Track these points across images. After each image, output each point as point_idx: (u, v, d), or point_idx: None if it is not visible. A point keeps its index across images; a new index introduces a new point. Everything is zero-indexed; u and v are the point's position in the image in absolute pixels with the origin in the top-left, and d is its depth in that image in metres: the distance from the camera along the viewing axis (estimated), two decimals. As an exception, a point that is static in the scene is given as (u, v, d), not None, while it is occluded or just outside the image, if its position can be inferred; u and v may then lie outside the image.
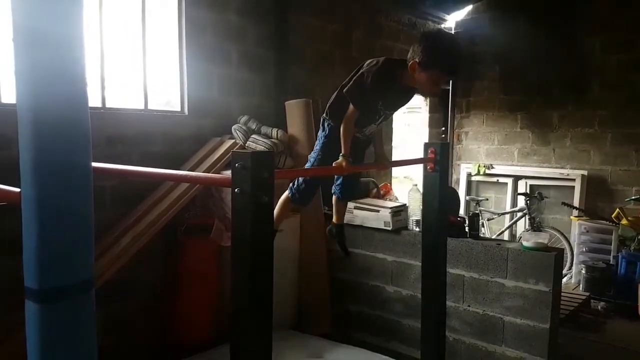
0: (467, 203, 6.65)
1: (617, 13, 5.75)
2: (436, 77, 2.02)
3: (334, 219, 2.70)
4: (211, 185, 3.31)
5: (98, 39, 3.25)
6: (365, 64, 2.09)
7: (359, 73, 2.07)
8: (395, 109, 2.32)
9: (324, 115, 2.27)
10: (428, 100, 7.07)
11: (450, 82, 6.91)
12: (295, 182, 2.42)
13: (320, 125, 2.31)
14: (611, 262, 4.84)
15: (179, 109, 3.72)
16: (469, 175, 6.99)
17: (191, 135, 3.67)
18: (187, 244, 3.39)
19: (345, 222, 3.82)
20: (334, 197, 2.61)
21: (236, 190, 1.34)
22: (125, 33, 3.48)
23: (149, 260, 3.40)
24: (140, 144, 3.41)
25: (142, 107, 3.52)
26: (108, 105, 3.34)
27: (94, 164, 1.89)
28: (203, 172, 3.31)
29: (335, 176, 2.47)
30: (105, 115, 3.28)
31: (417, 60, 1.97)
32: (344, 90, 2.08)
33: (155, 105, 3.65)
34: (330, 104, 2.21)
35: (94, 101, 3.28)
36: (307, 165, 2.40)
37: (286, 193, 2.47)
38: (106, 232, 3.17)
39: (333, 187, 2.55)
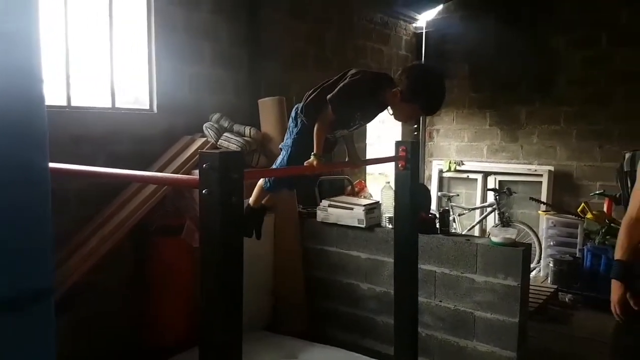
0: (439, 199, 6.73)
1: (580, 12, 5.91)
2: (414, 111, 2.07)
3: (263, 202, 2.52)
4: (188, 186, 3.27)
5: (63, 36, 3.17)
6: (351, 73, 2.08)
7: (345, 83, 2.05)
8: (369, 121, 2.33)
9: (299, 111, 2.25)
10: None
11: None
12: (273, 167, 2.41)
13: (292, 118, 2.29)
14: (577, 255, 4.97)
15: (147, 107, 3.65)
16: (441, 171, 7.08)
17: (161, 134, 3.61)
18: (157, 245, 3.33)
19: (319, 220, 3.86)
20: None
21: (204, 191, 1.32)
22: (91, 29, 3.40)
23: (119, 261, 3.33)
24: (108, 144, 3.33)
25: (109, 105, 3.45)
26: (74, 103, 3.25)
27: (58, 165, 1.85)
28: (172, 171, 3.27)
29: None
30: (71, 114, 3.20)
31: (400, 89, 1.99)
32: (328, 98, 2.06)
33: (123, 103, 3.58)
34: (307, 104, 2.19)
35: (58, 100, 3.20)
36: (279, 158, 2.38)
37: (261, 181, 2.46)
38: (73, 235, 3.10)
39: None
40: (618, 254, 2.31)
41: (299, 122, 2.25)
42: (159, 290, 3.33)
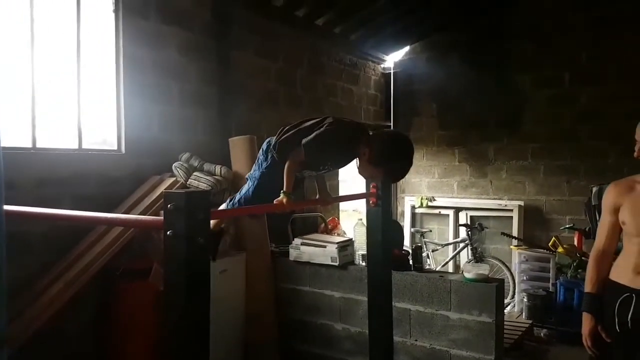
0: (412, 235, 6.75)
1: (543, 52, 6.16)
2: (377, 175, 2.12)
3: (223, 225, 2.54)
4: (151, 228, 3.19)
5: (29, 76, 3.12)
6: (328, 122, 2.09)
7: (321, 131, 2.06)
8: (340, 167, 2.38)
9: (271, 146, 2.24)
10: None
11: (391, 119, 7.12)
12: (237, 197, 2.36)
13: (263, 151, 2.28)
14: (551, 290, 5.00)
15: (115, 148, 3.59)
16: (413, 207, 7.13)
17: (129, 175, 3.55)
18: (123, 289, 3.21)
19: (292, 258, 3.80)
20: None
21: (168, 232, 1.28)
22: (59, 70, 3.36)
23: (84, 307, 3.20)
24: (74, 185, 3.24)
25: (76, 146, 3.38)
26: (39, 145, 3.18)
27: (19, 208, 1.78)
28: (140, 213, 3.19)
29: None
30: (36, 155, 3.12)
31: (368, 151, 2.03)
32: (302, 142, 2.06)
33: (91, 144, 3.51)
34: (281, 141, 2.18)
35: (23, 141, 3.12)
36: (244, 187, 2.35)
37: (223, 205, 2.43)
38: (37, 279, 2.97)
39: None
40: (588, 287, 2.34)
41: (269, 156, 2.24)
42: (125, 335, 3.19)
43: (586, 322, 2.29)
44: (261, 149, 2.30)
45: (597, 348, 2.26)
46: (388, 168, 2.06)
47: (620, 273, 2.22)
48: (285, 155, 2.12)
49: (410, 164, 2.12)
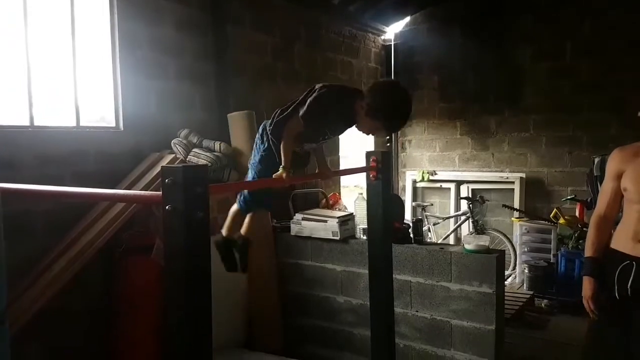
0: (414, 209, 6.76)
1: (543, 25, 6.07)
2: (376, 126, 2.06)
3: (242, 232, 2.48)
4: (150, 203, 3.19)
5: (24, 54, 3.08)
6: (318, 87, 2.07)
7: (314, 96, 2.03)
8: (339, 134, 2.32)
9: (267, 128, 2.22)
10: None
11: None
12: (242, 194, 2.37)
13: (259, 135, 2.26)
14: (552, 261, 5.03)
15: (113, 125, 3.57)
16: (414, 181, 7.13)
17: (128, 152, 3.53)
18: (126, 265, 3.24)
19: (294, 233, 3.81)
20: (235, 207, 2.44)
21: (167, 207, 1.28)
22: (54, 47, 3.32)
23: (88, 284, 3.22)
24: (73, 163, 3.24)
25: (74, 124, 3.36)
26: (37, 123, 3.16)
27: (18, 186, 1.78)
28: (140, 189, 3.19)
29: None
30: (34, 134, 3.10)
31: (366, 103, 2.00)
32: (300, 115, 2.04)
33: (88, 121, 3.49)
34: (277, 122, 2.15)
35: (21, 120, 3.11)
36: (249, 176, 2.36)
37: (235, 206, 2.42)
38: (39, 258, 2.99)
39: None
40: (588, 252, 2.35)
41: (265, 139, 2.22)
42: (128, 312, 3.23)
43: (587, 285, 2.31)
44: (257, 134, 2.28)
45: (598, 311, 2.28)
46: (388, 117, 2.02)
47: (620, 241, 2.22)
48: (282, 134, 2.10)
49: (409, 108, 2.10)
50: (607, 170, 2.33)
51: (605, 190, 2.32)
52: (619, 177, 2.23)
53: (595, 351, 2.43)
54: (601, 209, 2.34)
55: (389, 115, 2.02)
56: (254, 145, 2.31)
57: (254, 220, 2.51)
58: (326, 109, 2.02)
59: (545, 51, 6.09)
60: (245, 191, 2.36)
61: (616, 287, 2.16)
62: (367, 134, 2.18)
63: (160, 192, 1.30)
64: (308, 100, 2.03)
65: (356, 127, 2.14)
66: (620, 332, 2.19)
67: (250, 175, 2.33)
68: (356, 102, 2.04)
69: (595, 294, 2.28)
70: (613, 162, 2.28)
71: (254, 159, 2.30)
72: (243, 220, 2.46)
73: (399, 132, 7.23)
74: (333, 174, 2.90)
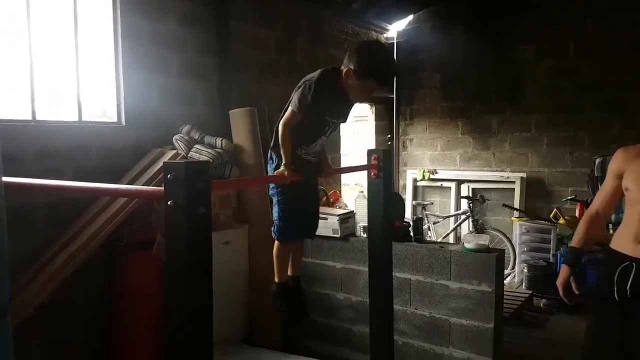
0: (414, 208, 6.77)
1: (544, 25, 6.07)
2: (369, 86, 2.03)
3: (288, 271, 2.39)
4: (152, 198, 3.20)
5: (27, 48, 3.09)
6: (302, 80, 2.08)
7: (300, 87, 2.05)
8: (343, 118, 2.27)
9: (271, 148, 2.22)
10: (374, 108, 7.17)
11: (394, 90, 7.04)
12: (275, 225, 2.28)
13: (269, 158, 2.25)
14: (551, 260, 5.03)
15: (115, 120, 3.58)
16: (415, 180, 7.13)
17: (129, 147, 3.54)
18: (127, 260, 3.25)
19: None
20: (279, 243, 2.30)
21: (169, 202, 1.28)
22: (57, 42, 3.32)
23: (89, 279, 3.24)
24: (74, 158, 3.25)
25: (76, 118, 3.36)
26: (39, 117, 3.17)
27: (20, 180, 1.78)
28: (142, 185, 3.20)
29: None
30: (36, 128, 3.11)
31: (351, 67, 1.99)
32: (292, 107, 2.04)
33: (90, 116, 3.50)
34: (276, 128, 2.15)
35: (23, 114, 3.11)
36: (274, 204, 2.26)
37: (275, 243, 2.32)
38: (40, 252, 3.00)
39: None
40: (573, 242, 2.42)
41: (274, 158, 2.19)
42: (129, 307, 3.24)
43: (563, 272, 2.39)
44: (268, 159, 2.26)
45: (568, 296, 2.38)
46: (379, 70, 2.01)
47: (621, 241, 2.21)
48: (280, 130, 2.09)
49: (392, 60, 2.12)
50: (608, 169, 2.33)
51: (605, 188, 2.33)
52: (620, 176, 2.23)
53: (595, 352, 2.44)
54: (597, 206, 2.36)
55: (380, 68, 2.01)
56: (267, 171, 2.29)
57: (299, 254, 2.42)
58: (315, 92, 2.00)
59: (547, 51, 6.08)
60: (276, 218, 2.24)
61: (615, 288, 2.16)
62: (362, 100, 2.14)
63: (163, 188, 1.31)
64: (297, 93, 2.04)
65: (351, 97, 2.10)
66: (620, 332, 2.20)
67: (275, 200, 2.25)
68: (341, 74, 2.03)
69: (566, 282, 2.36)
70: (615, 162, 2.28)
71: (272, 189, 2.26)
72: (288, 256, 2.37)
73: (400, 130, 7.23)
74: (335, 171, 2.89)
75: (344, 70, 2.01)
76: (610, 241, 2.31)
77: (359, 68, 1.98)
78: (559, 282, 2.40)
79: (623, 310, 2.17)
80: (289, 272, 2.42)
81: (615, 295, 2.16)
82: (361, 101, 2.13)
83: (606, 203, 2.33)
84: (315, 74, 2.07)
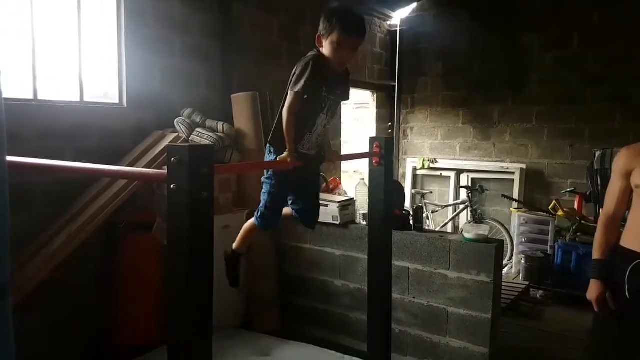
0: (413, 196, 6.78)
1: (552, 13, 6.01)
2: (339, 40, 2.04)
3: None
4: (155, 181, 3.19)
5: (29, 28, 3.05)
6: (296, 65, 2.10)
7: (294, 74, 2.06)
8: (342, 97, 2.28)
9: (269, 140, 2.22)
10: (375, 95, 7.14)
11: (396, 78, 7.00)
12: (259, 210, 2.34)
13: (267, 151, 2.25)
14: (549, 252, 5.05)
15: (117, 101, 3.56)
16: (415, 169, 7.13)
17: (131, 129, 3.53)
18: (127, 242, 3.25)
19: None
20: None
21: (172, 186, 1.28)
22: (59, 21, 3.29)
23: (88, 259, 3.24)
24: (75, 138, 3.23)
25: (77, 99, 3.34)
26: (40, 97, 3.15)
27: (22, 159, 1.77)
28: (143, 167, 3.19)
29: (293, 199, 2.38)
30: (37, 107, 3.09)
31: (320, 30, 2.07)
32: (292, 90, 2.03)
33: (92, 97, 3.48)
34: (274, 129, 2.16)
35: (24, 93, 3.09)
36: (263, 189, 2.30)
37: (252, 220, 2.40)
38: (40, 232, 3.00)
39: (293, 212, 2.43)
40: (596, 254, 2.30)
41: (272, 151, 2.19)
42: (128, 288, 3.26)
43: (595, 288, 2.26)
44: (267, 152, 2.27)
45: (605, 313, 2.24)
46: (336, 24, 2.03)
47: (631, 239, 2.16)
48: (282, 144, 2.08)
49: (350, 9, 2.16)
50: (614, 169, 2.28)
51: (614, 189, 2.28)
52: (627, 175, 2.19)
53: (599, 348, 2.41)
54: (610, 208, 2.29)
55: (339, 18, 2.04)
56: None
57: (250, 233, 2.50)
58: (313, 68, 2.01)
59: (553, 40, 6.03)
60: (262, 205, 2.31)
61: (627, 286, 2.12)
62: (342, 60, 2.11)
63: (165, 171, 1.31)
64: (292, 81, 2.06)
65: (335, 64, 2.11)
66: (626, 328, 2.17)
67: (265, 189, 2.28)
68: (321, 41, 2.09)
69: (601, 296, 2.24)
70: (621, 161, 2.24)
71: (266, 173, 2.28)
72: (254, 235, 2.48)
73: (401, 119, 7.21)
74: (339, 157, 2.89)
75: (316, 36, 2.09)
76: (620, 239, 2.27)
77: (323, 27, 2.06)
78: (593, 297, 2.26)
79: (634, 308, 2.11)
80: (241, 246, 2.53)
81: (627, 294, 2.12)
82: (343, 62, 2.12)
83: (618, 204, 2.25)
84: (309, 54, 2.11)
